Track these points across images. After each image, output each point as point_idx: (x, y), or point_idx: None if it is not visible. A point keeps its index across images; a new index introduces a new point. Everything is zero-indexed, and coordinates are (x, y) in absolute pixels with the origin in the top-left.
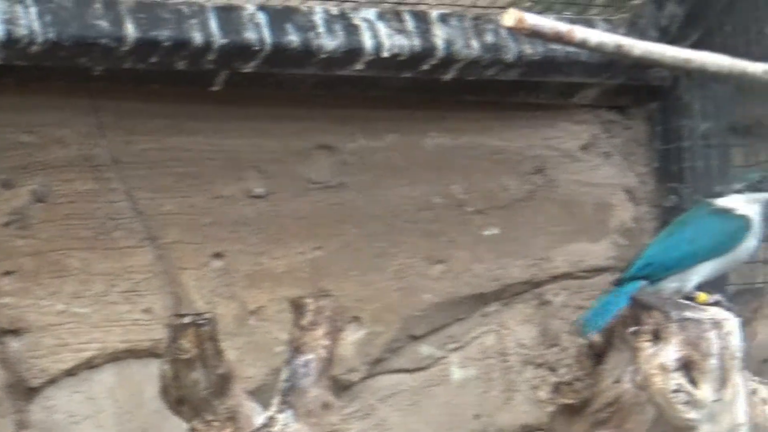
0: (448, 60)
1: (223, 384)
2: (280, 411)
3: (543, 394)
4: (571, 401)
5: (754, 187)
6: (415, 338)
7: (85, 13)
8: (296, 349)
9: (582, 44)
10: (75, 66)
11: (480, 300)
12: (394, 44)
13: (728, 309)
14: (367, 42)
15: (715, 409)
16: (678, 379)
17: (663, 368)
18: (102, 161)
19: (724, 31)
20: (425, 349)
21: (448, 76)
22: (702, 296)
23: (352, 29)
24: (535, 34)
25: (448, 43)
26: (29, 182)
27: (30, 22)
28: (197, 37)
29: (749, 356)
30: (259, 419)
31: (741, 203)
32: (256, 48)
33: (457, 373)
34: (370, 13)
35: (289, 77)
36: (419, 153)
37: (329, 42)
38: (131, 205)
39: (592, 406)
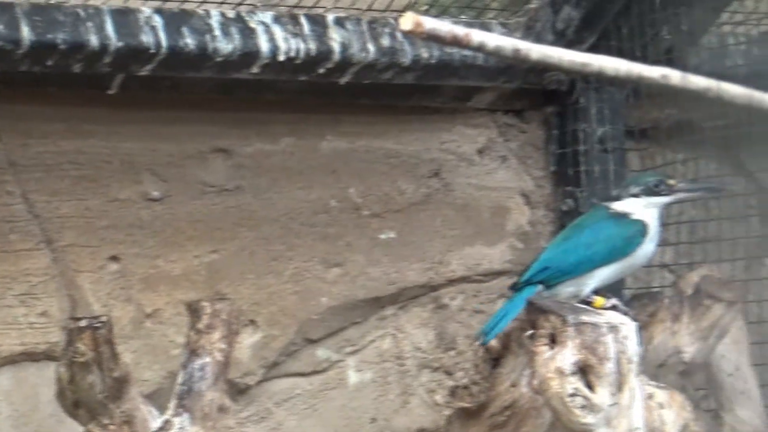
0: (344, 63)
1: (119, 387)
2: (177, 414)
3: (439, 397)
4: (467, 405)
5: (650, 192)
6: (311, 342)
7: None
8: (192, 352)
9: (479, 48)
10: None
11: (376, 304)
12: (290, 47)
13: (625, 313)
14: (263, 45)
15: (611, 413)
16: (575, 383)
17: (560, 372)
18: None
19: (621, 34)
20: (322, 352)
21: (344, 79)
22: (599, 300)
23: (248, 32)
24: (433, 38)
25: (344, 47)
26: None
27: None
28: (93, 40)
29: (646, 360)
30: (156, 423)
31: (638, 207)
32: (152, 51)
33: (353, 377)
34: (267, 16)
35: (185, 80)
36: (315, 156)
37: (225, 45)
38: (27, 208)
39: (488, 409)
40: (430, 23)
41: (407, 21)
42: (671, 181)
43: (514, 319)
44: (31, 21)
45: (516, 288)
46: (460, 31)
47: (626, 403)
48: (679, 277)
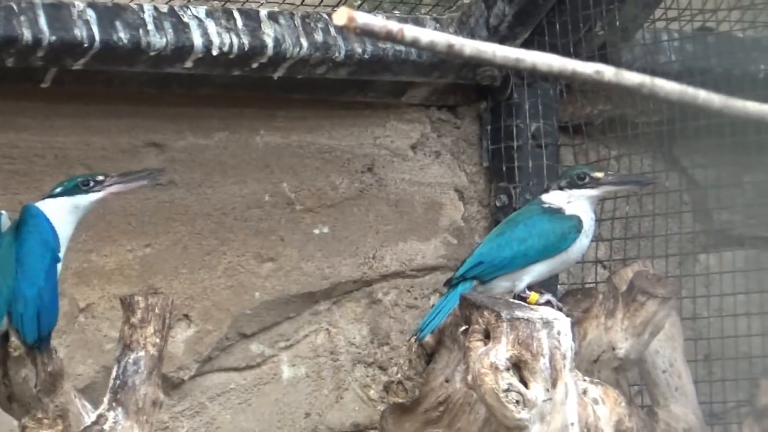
0: (277, 58)
1: (53, 381)
2: (111, 408)
3: (373, 393)
4: (401, 400)
5: (574, 184)
6: (245, 336)
7: None
8: (126, 346)
9: (413, 43)
10: None
11: (310, 298)
12: (223, 42)
13: (559, 309)
14: (197, 40)
15: (545, 409)
16: (509, 379)
17: (494, 368)
18: None
19: (554, 30)
20: (255, 347)
21: (278, 74)
22: (533, 296)
23: (181, 27)
24: (366, 33)
25: (277, 42)
26: None
27: None
28: (26, 34)
29: (579, 356)
30: (90, 417)
31: (565, 201)
32: (86, 45)
33: (287, 372)
34: (200, 10)
35: (118, 74)
36: (249, 151)
37: (158, 39)
38: None
39: (422, 405)
40: (363, 18)
41: (340, 16)
42: (597, 174)
43: (448, 315)
44: None
45: (451, 284)
46: (393, 26)
47: (560, 398)
48: (613, 272)
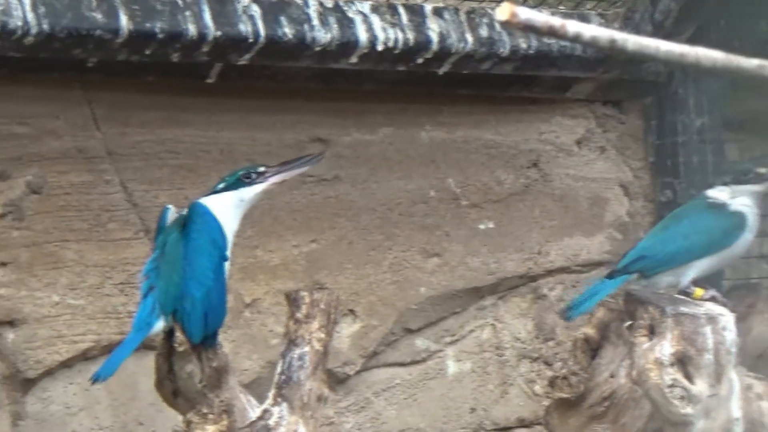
0: (443, 54)
1: (218, 377)
2: (276, 404)
3: (539, 388)
4: (566, 395)
5: (739, 180)
6: (410, 332)
7: (80, 4)
8: (291, 342)
9: (575, 39)
10: (69, 58)
11: (475, 294)
12: (388, 37)
13: (723, 304)
14: (362, 35)
15: (710, 405)
16: (673, 374)
17: (658, 363)
18: (96, 153)
19: (719, 25)
20: (421, 342)
21: (443, 69)
22: (698, 291)
23: (346, 22)
24: (528, 29)
25: (442, 37)
26: (24, 173)
27: (24, 14)
28: (191, 29)
29: (744, 352)
30: (254, 412)
31: (734, 197)
32: (251, 40)
33: (452, 367)
34: (365, 6)
35: (283, 70)
36: (414, 146)
37: (323, 35)
38: (126, 197)
39: (587, 400)
40: (526, 14)
41: (503, 11)
42: (762, 170)
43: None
44: (130, 10)
45: (612, 277)
46: (555, 21)
47: (725, 394)
48: None
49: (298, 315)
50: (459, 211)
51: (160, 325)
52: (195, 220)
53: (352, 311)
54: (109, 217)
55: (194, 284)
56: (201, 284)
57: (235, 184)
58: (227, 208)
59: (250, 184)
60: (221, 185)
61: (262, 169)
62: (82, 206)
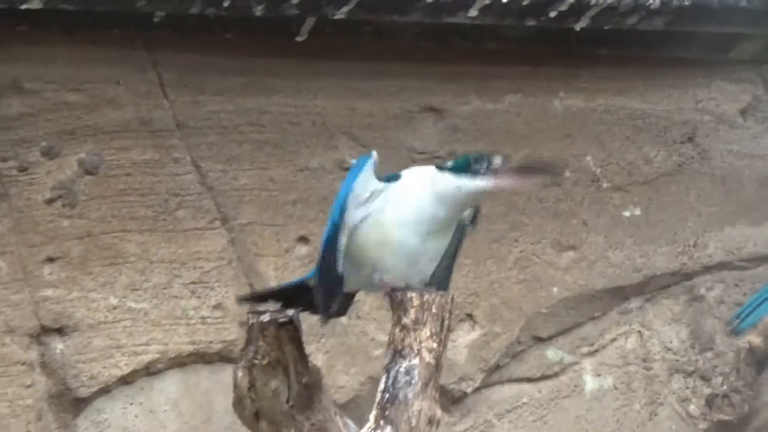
0: (580, 5)
1: (308, 395)
2: (378, 427)
3: (694, 408)
4: (727, 417)
5: None
6: (540, 340)
7: None
8: (397, 352)
9: None
10: (131, 11)
11: (619, 294)
12: None
13: None
14: None
15: None
16: None
17: None
18: (163, 126)
19: None
20: (553, 353)
21: (580, 24)
22: None
23: None
24: None
25: None
26: (76, 150)
27: None
28: None
29: None
30: None
31: None
32: None
33: (591, 383)
34: None
35: (387, 25)
36: (546, 117)
37: None
38: (199, 179)
39: (752, 423)
40: None
41: None
42: None
43: None
44: None
45: None
46: None
47: None
48: None
49: (405, 320)
50: (599, 195)
51: None
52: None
53: (470, 316)
54: (178, 202)
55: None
56: (323, 250)
57: (461, 168)
58: (436, 193)
59: (476, 174)
60: (449, 163)
61: (498, 161)
62: (146, 190)
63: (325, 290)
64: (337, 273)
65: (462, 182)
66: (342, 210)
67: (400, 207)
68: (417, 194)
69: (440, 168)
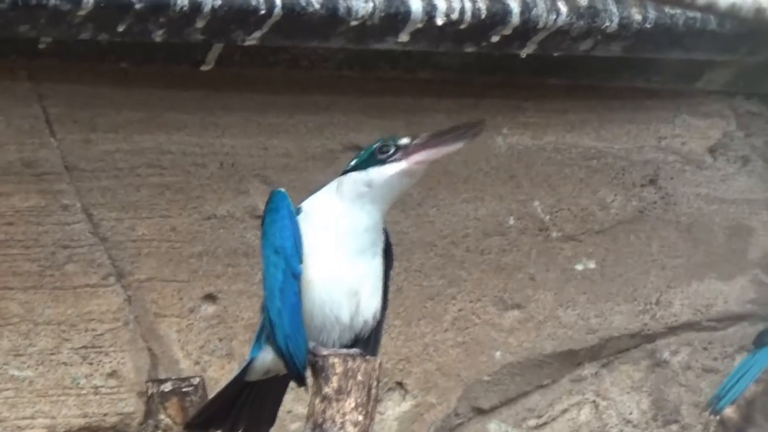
0: (526, 29)
1: None
2: None
3: None
4: None
5: None
6: (481, 412)
7: None
8: (317, 426)
9: (708, 7)
10: (12, 36)
11: (570, 359)
12: (451, 7)
13: None
14: (415, 4)
15: None
16: None
17: None
18: (50, 168)
19: None
20: (495, 427)
21: (526, 50)
22: None
23: None
24: None
25: (526, 6)
26: None
27: None
28: None
29: None
30: None
31: None
32: (262, 12)
33: None
34: None
35: (306, 53)
36: (487, 157)
37: (362, 4)
38: (90, 228)
39: None
40: None
41: None
42: None
43: (756, 381)
44: None
45: (763, 341)
46: None
47: None
48: None
49: (327, 390)
50: (548, 246)
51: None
52: (263, 218)
53: (400, 384)
54: (67, 255)
55: (268, 304)
56: (271, 305)
57: (366, 162)
58: (347, 198)
59: (384, 162)
60: (352, 162)
61: (404, 141)
62: (31, 241)
63: (292, 356)
64: (302, 333)
65: (371, 175)
66: (297, 252)
67: (316, 241)
68: (326, 214)
69: (344, 172)
